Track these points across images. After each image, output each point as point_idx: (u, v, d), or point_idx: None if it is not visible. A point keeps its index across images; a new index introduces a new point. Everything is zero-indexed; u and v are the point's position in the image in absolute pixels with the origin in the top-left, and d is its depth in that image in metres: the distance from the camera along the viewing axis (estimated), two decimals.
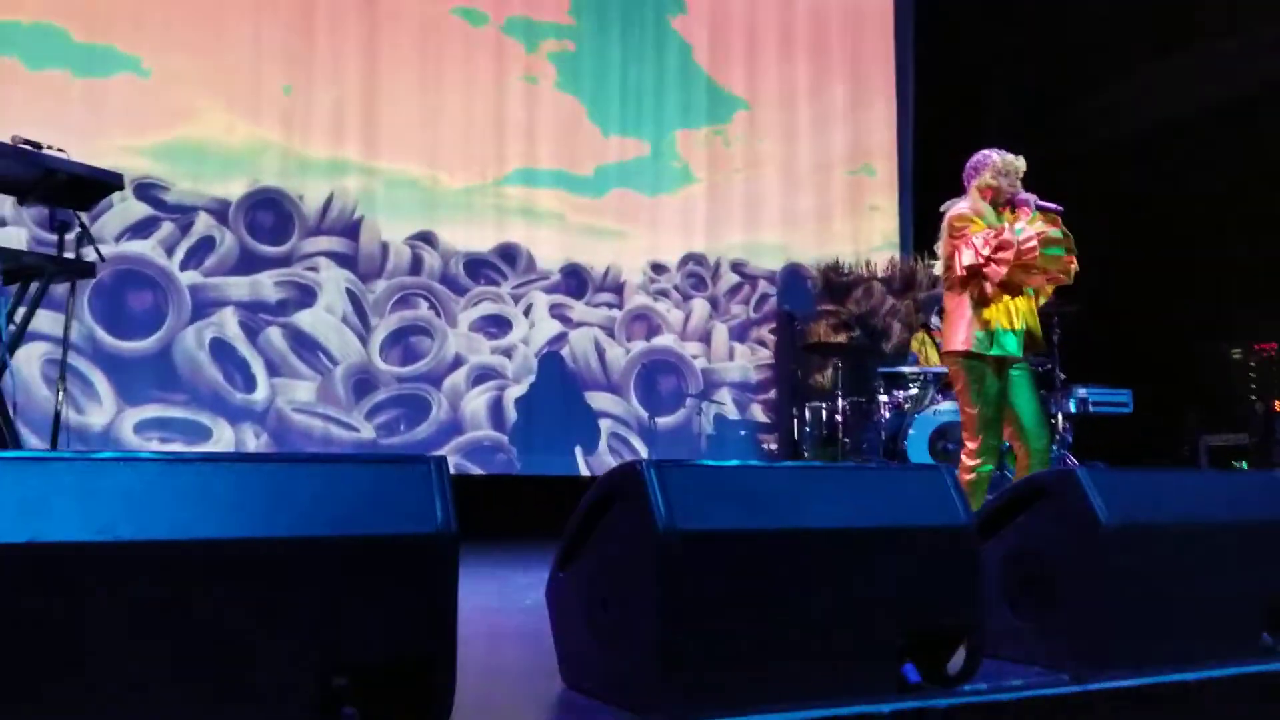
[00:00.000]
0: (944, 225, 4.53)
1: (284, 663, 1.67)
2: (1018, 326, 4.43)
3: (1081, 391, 7.68)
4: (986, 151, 4.57)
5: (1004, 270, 4.29)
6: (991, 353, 4.37)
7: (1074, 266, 4.47)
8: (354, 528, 1.70)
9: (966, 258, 4.34)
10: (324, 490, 1.71)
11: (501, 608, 3.95)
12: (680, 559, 1.97)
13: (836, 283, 8.95)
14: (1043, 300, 4.64)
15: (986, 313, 4.38)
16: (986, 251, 4.29)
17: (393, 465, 1.80)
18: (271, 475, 1.69)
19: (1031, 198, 4.40)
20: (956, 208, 4.50)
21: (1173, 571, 2.58)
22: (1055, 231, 4.35)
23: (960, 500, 2.33)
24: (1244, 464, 8.53)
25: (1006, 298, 4.41)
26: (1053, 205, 4.41)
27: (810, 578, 2.11)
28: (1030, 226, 4.31)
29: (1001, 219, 4.48)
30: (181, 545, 1.58)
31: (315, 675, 1.69)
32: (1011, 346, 4.42)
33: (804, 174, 9.19)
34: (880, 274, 9.02)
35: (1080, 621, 2.51)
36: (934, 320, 7.78)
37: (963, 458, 4.45)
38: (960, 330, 4.42)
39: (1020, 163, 4.52)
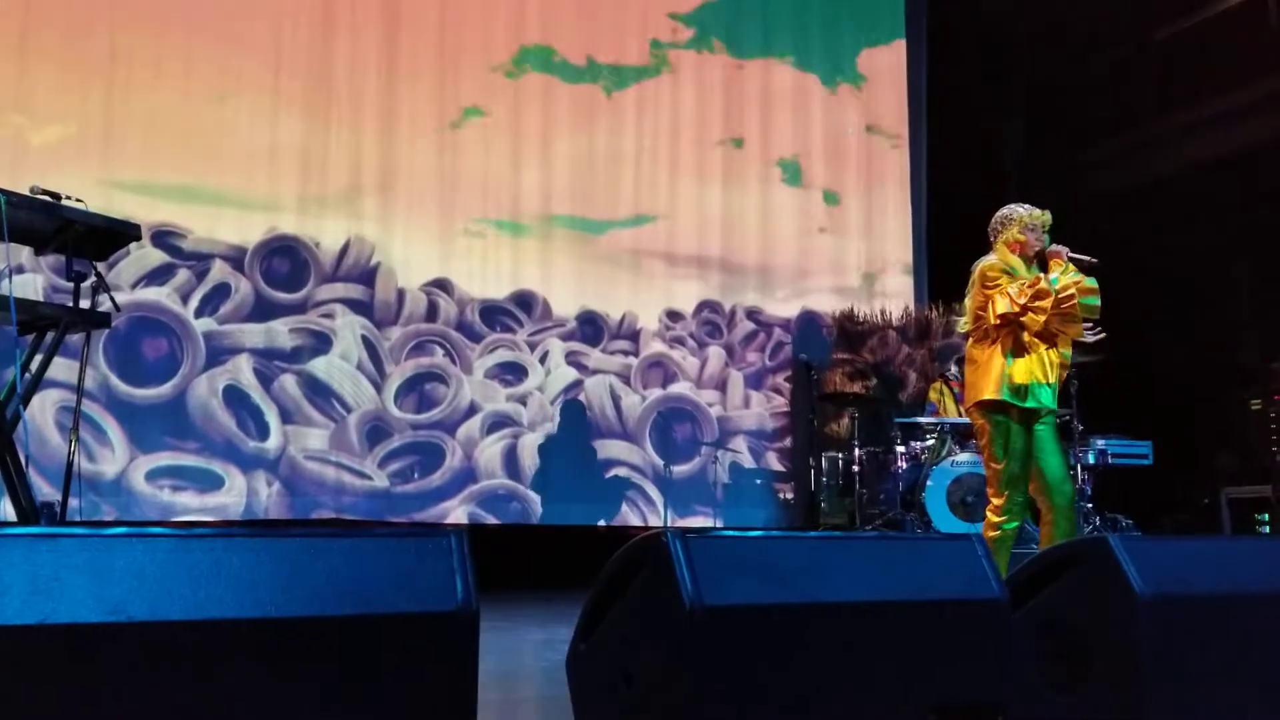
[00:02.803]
0: (974, 277, 4.51)
1: None
2: (1051, 379, 4.40)
3: (1101, 443, 7.60)
4: (1012, 206, 4.59)
5: (1042, 319, 4.28)
6: (1027, 404, 4.34)
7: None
8: (371, 606, 1.64)
9: (1001, 306, 4.32)
10: (340, 567, 1.66)
11: (519, 669, 3.88)
12: (707, 634, 1.91)
13: (852, 331, 8.90)
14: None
15: (1020, 363, 4.35)
16: (1023, 300, 4.28)
17: (411, 539, 1.75)
18: (286, 552, 1.64)
19: (1063, 250, 4.39)
20: (988, 260, 4.49)
21: (1211, 644, 2.50)
22: (1091, 281, 4.34)
23: (992, 572, 2.27)
24: (1266, 516, 8.42)
25: (1041, 349, 4.38)
26: (1086, 257, 4.40)
27: (839, 653, 2.05)
28: (1065, 276, 4.31)
29: (1031, 272, 4.47)
30: (194, 625, 1.53)
31: None
32: (1045, 398, 4.38)
33: (818, 222, 9.18)
34: (895, 323, 8.97)
35: (1115, 695, 2.43)
36: (952, 370, 7.73)
37: (988, 514, 4.41)
38: (989, 381, 4.38)
39: (1046, 216, 4.54)
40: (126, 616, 1.48)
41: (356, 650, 1.64)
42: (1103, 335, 4.56)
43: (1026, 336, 4.34)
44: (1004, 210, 4.59)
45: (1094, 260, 4.40)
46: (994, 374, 4.37)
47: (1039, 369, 4.36)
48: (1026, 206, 4.56)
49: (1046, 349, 4.40)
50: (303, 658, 1.60)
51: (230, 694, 1.55)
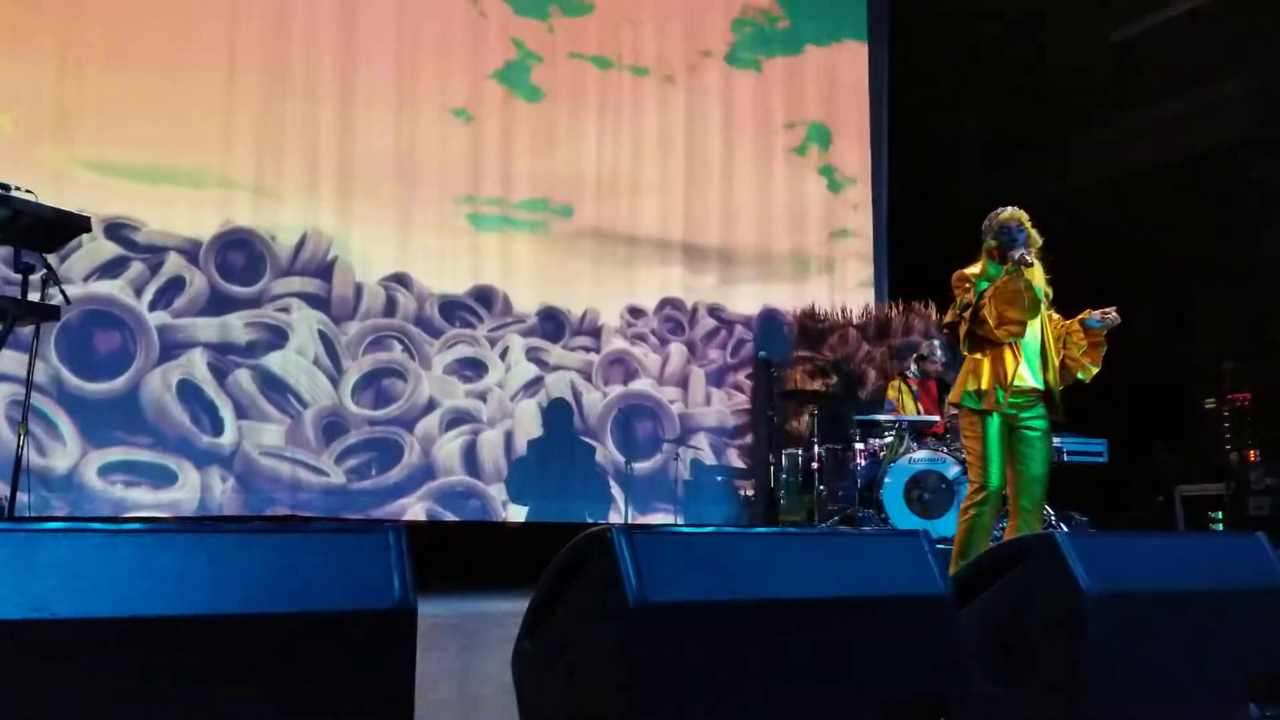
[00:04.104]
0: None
1: None
2: (1016, 380, 4.43)
3: (1055, 440, 7.64)
4: (995, 211, 4.66)
5: (967, 325, 4.46)
6: (978, 407, 4.48)
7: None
8: (305, 603, 1.62)
9: (948, 316, 4.57)
10: (274, 563, 1.63)
11: (474, 666, 3.85)
12: (651, 632, 1.90)
13: (812, 329, 8.93)
14: (1090, 370, 4.62)
15: (980, 367, 4.51)
16: (959, 312, 4.50)
17: (349, 535, 1.73)
18: (219, 547, 1.61)
19: (1015, 253, 4.38)
20: (965, 269, 4.64)
21: (1156, 641, 2.52)
22: (1021, 283, 4.36)
23: (938, 567, 2.27)
24: (1219, 514, 8.53)
25: (995, 352, 4.45)
26: (1029, 257, 4.39)
27: (786, 650, 2.04)
28: (998, 280, 4.38)
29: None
30: (123, 623, 1.49)
31: None
32: (1000, 399, 4.42)
33: (780, 220, 9.19)
34: (855, 321, 9.01)
35: (1060, 691, 2.44)
36: (911, 368, 7.77)
37: (964, 502, 4.56)
38: (959, 384, 4.61)
39: (1017, 214, 4.58)
40: (50, 614, 1.44)
41: (291, 648, 1.61)
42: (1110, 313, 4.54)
43: (971, 344, 4.52)
44: (988, 217, 4.66)
45: (1028, 261, 4.36)
46: (962, 376, 4.59)
47: (1000, 371, 4.45)
48: (998, 211, 4.64)
49: (1009, 352, 4.44)
50: (236, 656, 1.57)
51: (160, 693, 1.52)
